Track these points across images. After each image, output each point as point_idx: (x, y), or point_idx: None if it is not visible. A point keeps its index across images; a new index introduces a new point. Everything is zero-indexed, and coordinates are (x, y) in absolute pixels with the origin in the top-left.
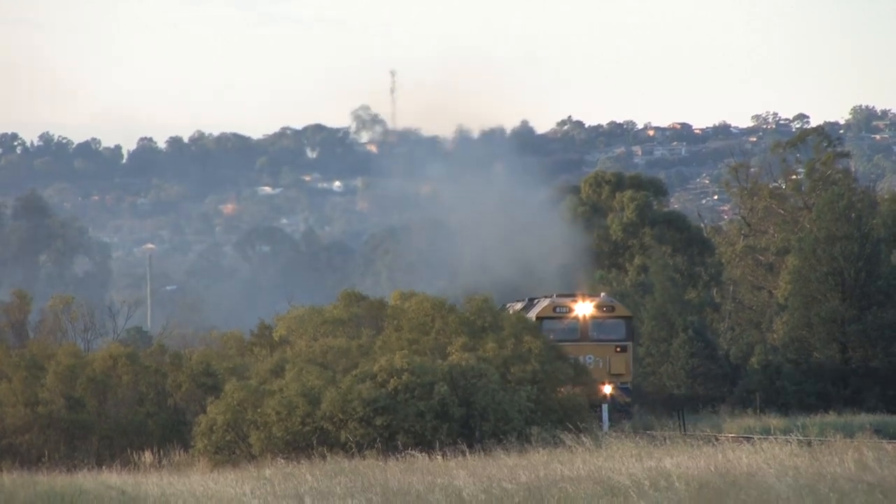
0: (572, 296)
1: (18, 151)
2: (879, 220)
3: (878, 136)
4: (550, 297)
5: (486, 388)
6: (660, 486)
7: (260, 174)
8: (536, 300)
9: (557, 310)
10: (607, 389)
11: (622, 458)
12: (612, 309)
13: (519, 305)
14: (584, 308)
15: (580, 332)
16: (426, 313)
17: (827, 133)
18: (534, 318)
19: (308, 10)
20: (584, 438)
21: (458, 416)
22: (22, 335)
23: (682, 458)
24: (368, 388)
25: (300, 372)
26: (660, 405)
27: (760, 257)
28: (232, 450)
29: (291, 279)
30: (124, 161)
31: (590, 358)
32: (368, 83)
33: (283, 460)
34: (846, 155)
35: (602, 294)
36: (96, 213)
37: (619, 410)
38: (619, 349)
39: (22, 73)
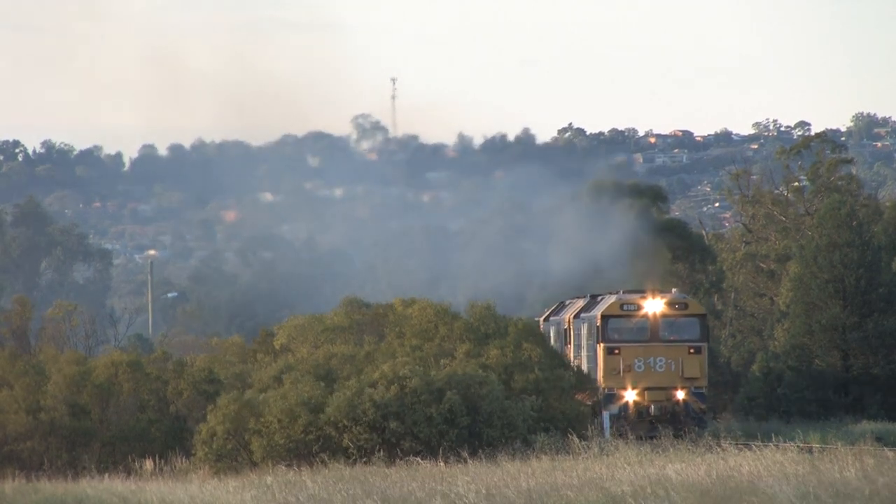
0: (641, 292)
1: (20, 158)
2: (880, 228)
3: (879, 144)
4: (617, 293)
5: (493, 396)
6: (661, 494)
7: (261, 181)
8: (600, 297)
9: (624, 307)
10: (680, 395)
11: (624, 466)
12: (686, 306)
13: (580, 303)
14: (654, 305)
15: (650, 332)
16: (429, 320)
17: (831, 139)
18: (598, 317)
19: (307, 15)
20: (588, 445)
21: (466, 424)
22: (24, 342)
23: (683, 466)
24: (381, 391)
25: (296, 382)
26: None
27: (762, 264)
28: (234, 457)
29: (292, 286)
30: (126, 168)
31: (660, 360)
32: (369, 90)
33: (284, 467)
34: (850, 161)
35: (673, 290)
36: (98, 220)
37: (693, 418)
38: (692, 350)
39: (23, 80)
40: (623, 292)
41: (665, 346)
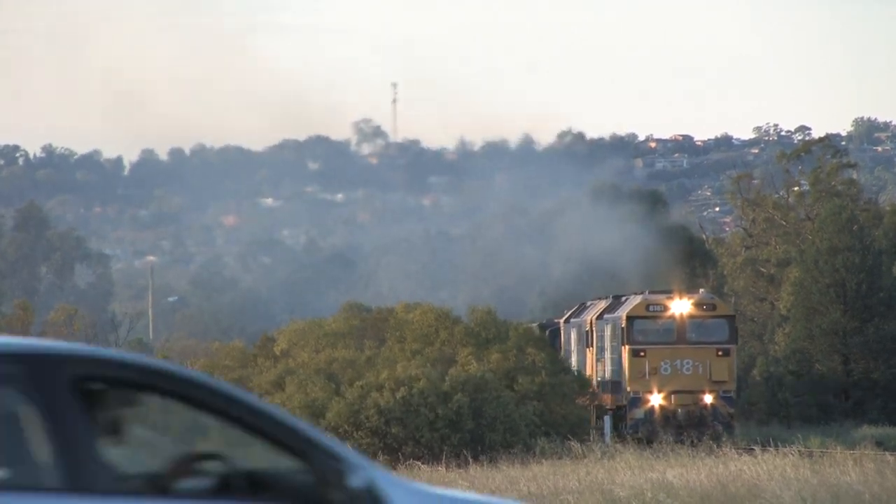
0: (667, 292)
1: (20, 163)
2: (881, 233)
3: (879, 148)
4: (642, 293)
5: (499, 400)
6: (661, 498)
7: (261, 186)
8: (625, 298)
9: (650, 308)
10: (708, 399)
11: (624, 470)
12: (714, 307)
13: (603, 304)
14: (680, 306)
15: (676, 334)
16: (430, 324)
17: (833, 144)
18: (623, 318)
19: (307, 18)
20: (590, 449)
21: (470, 428)
22: None
23: (683, 470)
24: (386, 396)
25: (302, 384)
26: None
27: (762, 269)
28: None
29: (293, 290)
30: (126, 173)
31: (687, 363)
32: (370, 95)
33: None
34: (852, 166)
35: (701, 290)
36: (98, 225)
37: (721, 423)
38: (721, 353)
39: (23, 83)
40: (648, 293)
41: (693, 348)
